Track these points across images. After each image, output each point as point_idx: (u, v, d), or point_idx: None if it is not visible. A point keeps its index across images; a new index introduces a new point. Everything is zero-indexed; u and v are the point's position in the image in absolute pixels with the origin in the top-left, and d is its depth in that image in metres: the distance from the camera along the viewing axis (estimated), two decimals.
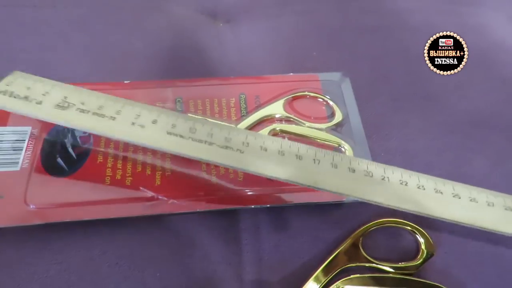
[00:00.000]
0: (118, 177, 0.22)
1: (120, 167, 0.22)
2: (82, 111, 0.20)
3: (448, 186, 0.20)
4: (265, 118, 0.25)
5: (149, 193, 0.21)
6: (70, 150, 0.23)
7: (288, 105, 0.26)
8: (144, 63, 0.29)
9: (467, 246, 0.22)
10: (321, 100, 0.27)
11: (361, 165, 0.20)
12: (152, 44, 0.30)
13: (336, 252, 0.21)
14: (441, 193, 0.20)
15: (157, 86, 0.26)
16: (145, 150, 0.23)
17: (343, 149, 0.24)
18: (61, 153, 0.22)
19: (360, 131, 0.26)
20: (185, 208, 0.21)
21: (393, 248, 0.22)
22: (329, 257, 0.21)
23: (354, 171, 0.20)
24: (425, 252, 0.21)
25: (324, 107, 0.26)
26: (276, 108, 0.26)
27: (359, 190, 0.19)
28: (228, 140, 0.20)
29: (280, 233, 0.22)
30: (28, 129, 0.23)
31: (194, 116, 0.23)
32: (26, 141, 0.23)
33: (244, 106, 0.26)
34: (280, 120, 0.25)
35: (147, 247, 0.21)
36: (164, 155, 0.23)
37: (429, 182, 0.20)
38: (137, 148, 0.23)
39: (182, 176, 0.22)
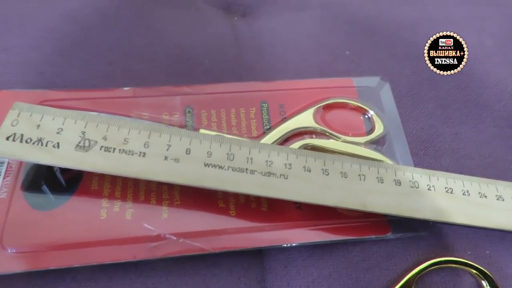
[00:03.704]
0: (117, 209, 0.18)
1: (119, 196, 0.18)
2: (107, 149, 0.18)
3: (492, 187, 0.20)
4: (293, 132, 0.21)
5: (155, 231, 0.17)
6: (58, 174, 0.19)
7: (320, 116, 0.22)
8: (147, 66, 0.25)
9: None
10: (357, 109, 0.23)
11: (406, 174, 0.19)
12: (156, 43, 0.26)
13: None
14: (486, 197, 0.19)
15: (162, 94, 0.22)
16: None
17: None
18: (47, 179, 0.19)
19: (404, 147, 0.22)
20: (198, 250, 0.17)
21: None
22: None
23: (400, 183, 0.19)
24: None
25: (361, 118, 0.22)
26: (306, 120, 0.22)
27: (407, 207, 0.18)
28: (269, 164, 0.18)
29: (312, 274, 0.19)
30: None
31: (225, 135, 0.20)
32: (5, 165, 0.19)
33: (266, 117, 0.22)
34: (311, 133, 0.22)
35: None
36: None
37: (473, 185, 0.19)
38: None
39: (193, 206, 0.19)
